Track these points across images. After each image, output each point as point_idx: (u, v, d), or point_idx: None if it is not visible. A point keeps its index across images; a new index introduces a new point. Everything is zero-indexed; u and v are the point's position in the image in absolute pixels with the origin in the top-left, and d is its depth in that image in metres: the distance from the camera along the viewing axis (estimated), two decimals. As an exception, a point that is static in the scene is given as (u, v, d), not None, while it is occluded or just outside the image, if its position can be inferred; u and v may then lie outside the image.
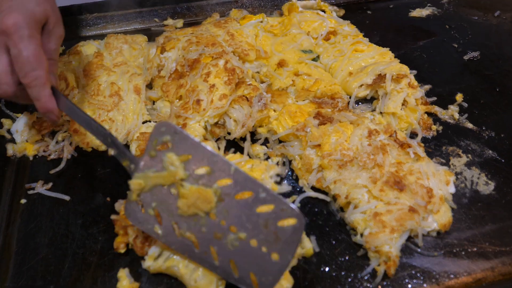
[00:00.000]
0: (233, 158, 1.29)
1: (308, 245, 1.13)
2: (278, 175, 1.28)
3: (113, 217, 1.15)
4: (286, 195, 1.28)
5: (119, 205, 1.20)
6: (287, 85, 1.53)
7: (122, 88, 1.47)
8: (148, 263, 1.06)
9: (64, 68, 1.50)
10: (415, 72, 1.63)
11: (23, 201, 1.27)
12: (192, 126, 1.35)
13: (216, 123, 1.39)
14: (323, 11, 1.86)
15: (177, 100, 1.45)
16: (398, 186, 1.19)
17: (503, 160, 1.37)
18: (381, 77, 1.49)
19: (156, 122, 1.44)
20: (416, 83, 1.50)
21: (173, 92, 1.46)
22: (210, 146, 1.16)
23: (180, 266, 1.03)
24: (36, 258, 1.14)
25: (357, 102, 1.54)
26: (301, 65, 1.57)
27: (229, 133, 1.40)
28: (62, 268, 1.12)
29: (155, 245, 1.08)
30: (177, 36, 1.57)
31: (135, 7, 1.87)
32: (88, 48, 1.62)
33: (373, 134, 1.32)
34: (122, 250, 1.11)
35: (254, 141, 1.42)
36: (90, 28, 1.84)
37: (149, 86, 1.54)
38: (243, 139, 1.40)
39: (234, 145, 1.41)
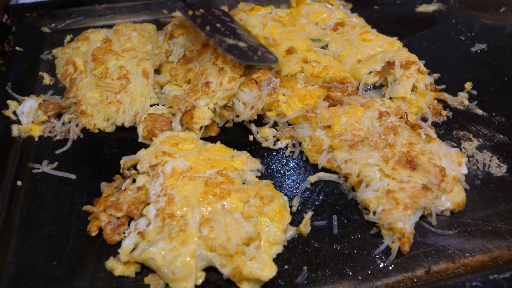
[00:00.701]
0: (215, 148, 1.27)
1: (303, 228, 1.11)
2: (258, 170, 1.26)
3: (85, 207, 1.13)
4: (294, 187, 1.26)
5: (104, 186, 1.19)
6: (296, 71, 1.52)
7: (130, 72, 1.47)
8: (124, 258, 1.02)
9: (73, 53, 1.49)
10: (423, 62, 1.62)
11: (19, 183, 1.24)
12: (201, 109, 1.33)
13: (225, 106, 1.38)
14: (331, 4, 1.87)
15: (186, 84, 1.44)
16: (411, 164, 1.17)
17: (514, 144, 1.35)
18: (390, 64, 1.48)
19: (163, 105, 1.42)
20: (425, 69, 1.50)
21: (182, 76, 1.45)
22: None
23: (157, 258, 0.99)
24: (39, 235, 1.11)
25: (366, 89, 1.53)
26: (310, 53, 1.56)
27: (237, 116, 1.38)
28: (66, 245, 1.09)
29: (129, 236, 1.05)
30: (185, 23, 1.58)
31: (144, -2, 1.88)
32: (96, 35, 1.62)
33: (383, 116, 1.30)
34: (94, 233, 1.10)
35: (262, 124, 1.40)
36: (99, 19, 1.85)
37: (157, 71, 1.53)
38: (252, 122, 1.38)
39: (243, 128, 1.39)
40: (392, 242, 1.08)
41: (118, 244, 1.07)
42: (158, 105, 1.43)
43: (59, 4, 1.82)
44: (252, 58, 1.41)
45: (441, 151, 1.23)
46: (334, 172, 1.25)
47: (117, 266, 1.03)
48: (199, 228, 1.04)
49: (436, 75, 1.59)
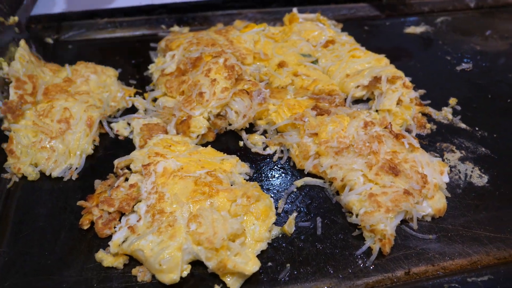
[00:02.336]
0: (206, 151, 1.32)
1: (287, 228, 1.15)
2: (247, 174, 1.31)
3: (79, 203, 1.18)
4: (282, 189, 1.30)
5: (98, 183, 1.24)
6: (286, 83, 1.59)
7: (74, 116, 1.35)
8: (113, 250, 1.07)
9: (35, 76, 1.46)
10: (410, 78, 1.70)
11: (16, 178, 1.29)
12: (197, 118, 1.39)
13: (217, 115, 1.44)
14: (322, 23, 1.95)
15: (179, 96, 1.50)
16: (393, 171, 1.22)
17: (496, 157, 1.40)
18: (377, 79, 1.55)
19: (153, 120, 1.46)
20: (410, 84, 1.56)
21: (176, 87, 1.50)
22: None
23: (145, 250, 1.03)
24: (33, 227, 1.15)
25: (354, 103, 1.59)
26: (300, 67, 1.64)
27: (230, 124, 1.44)
28: (59, 237, 1.13)
29: (120, 230, 1.10)
30: (179, 37, 1.66)
31: (144, 14, 1.97)
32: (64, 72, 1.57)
33: (368, 126, 1.36)
34: (86, 227, 1.14)
35: (253, 132, 1.46)
36: (101, 32, 1.93)
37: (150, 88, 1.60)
38: (242, 129, 1.44)
39: (233, 135, 1.45)
40: (374, 243, 1.11)
41: (109, 238, 1.11)
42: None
43: (63, 17, 1.91)
44: None
45: (423, 160, 1.28)
46: (320, 177, 1.30)
47: (106, 258, 1.07)
48: (187, 223, 1.08)
49: (422, 91, 1.65)
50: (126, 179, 1.23)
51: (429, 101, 1.60)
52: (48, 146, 1.30)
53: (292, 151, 1.36)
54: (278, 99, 1.50)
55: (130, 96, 1.56)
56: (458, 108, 1.59)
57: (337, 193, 1.25)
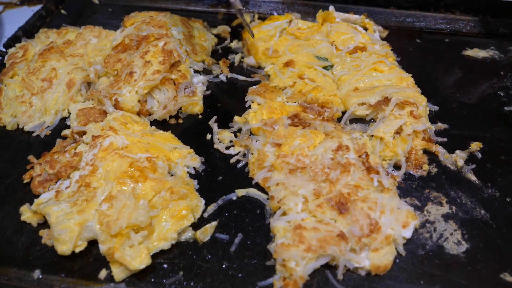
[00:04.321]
0: (162, 136, 1.29)
1: (200, 235, 1.09)
2: (195, 168, 1.25)
3: (29, 157, 1.26)
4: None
5: (58, 142, 1.29)
6: (286, 85, 1.47)
7: (58, 77, 1.41)
8: (33, 207, 1.12)
9: (39, 41, 1.57)
10: (437, 108, 1.45)
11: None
12: (124, 96, 1.35)
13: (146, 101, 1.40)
14: (366, 28, 1.75)
15: (112, 78, 1.45)
16: (341, 208, 1.06)
17: (494, 225, 1.13)
18: (386, 100, 1.35)
19: (90, 100, 1.44)
20: (423, 114, 1.33)
21: (112, 64, 1.44)
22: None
23: (52, 216, 1.05)
24: (-12, 168, 1.26)
25: (354, 121, 1.41)
26: (309, 69, 1.50)
27: (150, 114, 1.40)
28: (3, 182, 1.23)
29: (48, 192, 1.14)
30: (137, 15, 1.62)
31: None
32: (72, 34, 1.63)
33: (341, 150, 1.20)
34: (26, 181, 1.21)
35: (229, 127, 1.39)
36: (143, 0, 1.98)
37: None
38: (216, 122, 1.38)
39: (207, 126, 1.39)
40: (278, 280, 0.99)
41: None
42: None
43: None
44: None
45: (388, 204, 1.09)
46: (266, 192, 1.19)
47: (25, 212, 1.13)
48: (101, 202, 1.08)
49: (443, 125, 1.39)
50: (82, 145, 1.27)
51: (445, 139, 1.35)
52: (28, 101, 1.38)
53: (251, 157, 1.26)
54: (266, 99, 1.40)
55: None
56: (479, 155, 1.31)
57: (275, 213, 1.14)
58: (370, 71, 1.49)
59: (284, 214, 1.08)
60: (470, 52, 1.72)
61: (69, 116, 1.40)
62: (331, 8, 1.71)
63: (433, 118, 1.41)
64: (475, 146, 1.33)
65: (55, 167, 1.19)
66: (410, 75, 1.47)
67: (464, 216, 1.15)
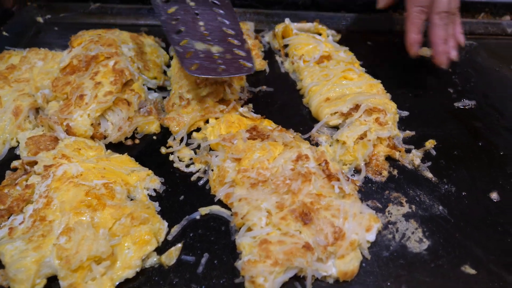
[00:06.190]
0: (119, 159, 1.26)
1: (165, 259, 1.07)
2: (155, 190, 1.22)
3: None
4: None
5: (8, 174, 1.23)
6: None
7: (3, 105, 1.34)
8: None
9: None
10: (407, 113, 1.49)
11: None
12: (76, 121, 1.30)
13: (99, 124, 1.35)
14: (319, 34, 1.78)
15: (62, 102, 1.39)
16: (304, 218, 1.06)
17: (452, 220, 1.18)
18: (358, 108, 1.37)
19: (40, 127, 1.38)
20: (391, 120, 1.35)
21: (61, 87, 1.39)
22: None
23: (6, 255, 1.00)
24: None
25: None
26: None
27: (105, 137, 1.35)
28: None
29: (0, 229, 1.07)
30: (84, 34, 1.58)
31: (139, 3, 1.93)
32: (16, 57, 1.56)
33: (301, 159, 1.20)
34: None
35: (188, 145, 1.36)
36: (91, 16, 1.92)
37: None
38: (174, 140, 1.35)
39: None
40: (248, 297, 0.98)
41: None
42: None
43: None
44: (216, 71, 1.28)
45: (351, 210, 1.11)
46: (230, 209, 1.18)
47: (-24, 252, 1.06)
48: (59, 235, 1.03)
49: (411, 133, 1.42)
50: (34, 176, 1.21)
51: (412, 146, 1.37)
52: (-30, 132, 1.30)
53: (211, 174, 1.25)
54: (225, 114, 1.39)
55: None
56: (433, 153, 1.35)
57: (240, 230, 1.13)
58: (340, 80, 1.51)
59: (249, 229, 1.08)
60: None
61: (18, 145, 1.33)
62: (287, 20, 1.73)
63: (403, 122, 1.46)
64: (429, 144, 1.38)
65: (5, 202, 1.13)
66: (379, 81, 1.50)
67: (423, 213, 1.19)
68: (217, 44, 1.36)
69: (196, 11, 1.43)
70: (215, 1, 1.48)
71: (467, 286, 1.03)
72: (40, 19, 1.89)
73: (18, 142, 1.33)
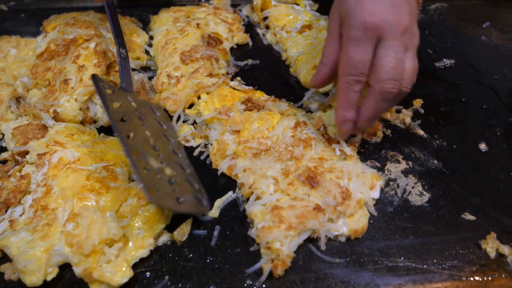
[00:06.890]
0: (114, 142, 1.23)
1: (177, 236, 1.05)
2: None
3: None
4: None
5: None
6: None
7: None
8: None
9: None
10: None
11: None
12: (63, 106, 1.25)
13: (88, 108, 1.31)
14: (297, 4, 1.77)
15: (44, 88, 1.34)
16: (311, 181, 1.08)
17: (447, 172, 1.22)
18: None
19: (24, 116, 1.31)
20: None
21: (41, 74, 1.33)
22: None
23: (13, 248, 0.97)
24: None
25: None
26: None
27: (95, 122, 1.31)
28: None
29: (1, 223, 1.03)
30: (58, 18, 1.52)
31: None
32: None
33: (299, 126, 1.22)
34: None
35: (184, 122, 1.34)
36: (58, 2, 1.83)
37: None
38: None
39: (159, 124, 1.34)
40: (266, 263, 0.99)
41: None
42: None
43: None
44: (177, 201, 1.02)
45: (353, 170, 1.13)
46: (234, 181, 1.18)
47: (-20, 248, 1.01)
48: (65, 222, 1.00)
49: None
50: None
51: (401, 106, 1.40)
52: None
53: (211, 148, 1.24)
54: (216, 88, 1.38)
55: None
56: (421, 111, 1.40)
57: (248, 200, 1.13)
58: (325, 47, 1.51)
59: (257, 198, 1.08)
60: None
61: (3, 137, 1.27)
62: (266, -9, 1.71)
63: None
64: (417, 103, 1.42)
65: (1, 195, 1.08)
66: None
67: (420, 168, 1.23)
68: (169, 167, 1.08)
69: (140, 117, 1.16)
70: (154, 111, 1.25)
71: (468, 231, 1.09)
72: (3, 7, 1.78)
73: (2, 134, 1.27)
